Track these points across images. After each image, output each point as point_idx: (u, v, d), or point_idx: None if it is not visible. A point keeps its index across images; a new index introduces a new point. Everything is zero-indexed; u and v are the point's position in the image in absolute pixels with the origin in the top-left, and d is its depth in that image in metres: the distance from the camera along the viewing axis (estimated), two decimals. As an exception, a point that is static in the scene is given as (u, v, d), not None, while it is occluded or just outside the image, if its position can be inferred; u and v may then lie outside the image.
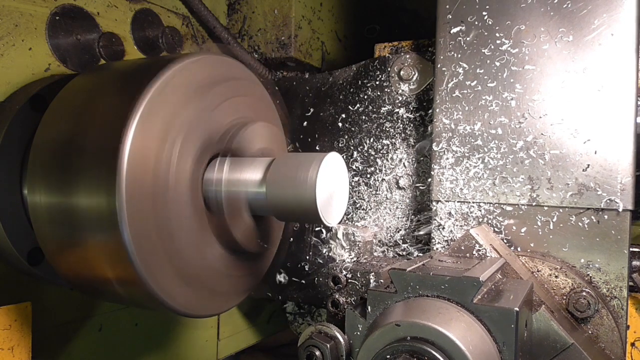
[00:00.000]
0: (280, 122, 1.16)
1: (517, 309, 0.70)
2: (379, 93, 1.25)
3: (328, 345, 0.78)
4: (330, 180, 0.90)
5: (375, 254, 1.24)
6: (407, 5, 1.92)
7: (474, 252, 0.94)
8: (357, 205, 1.26)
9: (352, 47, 1.80)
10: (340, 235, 0.92)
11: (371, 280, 0.85)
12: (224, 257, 0.97)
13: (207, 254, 0.93)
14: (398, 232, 1.22)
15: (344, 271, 0.86)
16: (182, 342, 1.45)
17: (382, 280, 0.84)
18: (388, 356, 0.69)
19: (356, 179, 1.26)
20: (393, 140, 1.23)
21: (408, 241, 1.21)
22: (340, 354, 0.79)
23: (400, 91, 1.22)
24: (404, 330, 0.70)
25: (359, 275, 0.85)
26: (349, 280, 0.86)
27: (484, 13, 1.01)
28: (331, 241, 0.93)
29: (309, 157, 0.90)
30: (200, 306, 0.93)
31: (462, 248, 0.95)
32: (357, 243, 0.91)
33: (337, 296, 0.86)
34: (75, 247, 0.84)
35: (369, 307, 0.77)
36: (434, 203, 1.05)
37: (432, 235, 1.05)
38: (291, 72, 1.52)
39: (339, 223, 0.94)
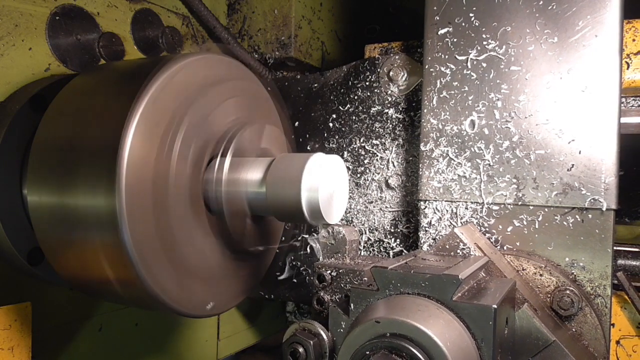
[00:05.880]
0: (280, 122, 1.17)
1: (495, 306, 0.71)
2: (368, 94, 1.26)
3: (311, 342, 0.79)
4: (328, 179, 0.90)
5: (362, 252, 1.26)
6: (407, 5, 1.92)
7: (458, 251, 0.95)
8: (347, 205, 1.27)
9: (352, 47, 1.80)
10: (326, 233, 0.94)
11: (355, 279, 0.86)
12: (224, 257, 0.98)
13: (207, 254, 0.94)
14: (387, 231, 1.24)
15: (329, 269, 0.87)
16: (182, 342, 1.46)
17: (365, 278, 0.85)
18: (367, 352, 0.70)
19: (347, 178, 1.27)
20: (383, 140, 1.24)
21: (397, 240, 1.23)
22: (323, 351, 0.80)
23: (389, 92, 1.23)
24: (383, 327, 0.70)
25: (343, 273, 0.87)
26: (334, 278, 0.87)
27: (471, 14, 1.02)
28: (318, 239, 0.94)
29: (306, 157, 0.90)
30: (200, 306, 0.94)
31: (447, 247, 0.96)
32: (343, 241, 0.92)
33: (322, 294, 0.87)
34: (75, 248, 0.85)
35: (352, 305, 0.78)
36: (421, 202, 1.06)
37: (419, 234, 1.07)
38: (291, 72, 1.53)
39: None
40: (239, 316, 1.70)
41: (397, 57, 1.22)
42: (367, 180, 1.26)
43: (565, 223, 0.96)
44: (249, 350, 1.81)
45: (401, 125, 1.22)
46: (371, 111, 1.26)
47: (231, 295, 1.04)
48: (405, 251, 1.21)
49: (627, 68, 1.06)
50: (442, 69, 1.04)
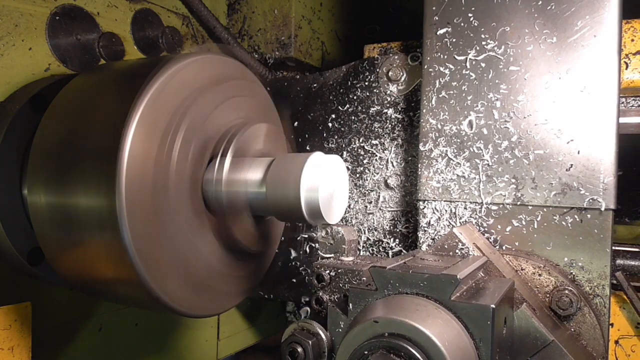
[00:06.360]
0: (280, 122, 1.17)
1: (493, 305, 0.71)
2: (368, 94, 1.26)
3: (310, 342, 0.79)
4: (327, 179, 0.90)
5: (362, 252, 1.26)
6: (407, 5, 1.92)
7: (457, 251, 0.95)
8: (347, 205, 1.27)
9: (352, 47, 1.80)
10: (325, 233, 0.94)
11: (354, 278, 0.86)
12: (224, 257, 0.98)
13: (207, 254, 0.94)
14: (386, 231, 1.24)
15: (327, 269, 0.87)
16: (182, 342, 1.46)
17: (364, 278, 0.85)
18: (366, 352, 0.71)
19: (346, 178, 1.28)
20: (382, 140, 1.24)
21: (396, 240, 1.23)
22: (322, 351, 0.80)
23: (388, 92, 1.24)
24: (381, 327, 0.71)
25: (342, 273, 0.87)
26: (333, 278, 0.87)
27: (470, 15, 1.02)
28: (316, 239, 0.95)
29: (305, 157, 0.90)
30: (200, 306, 0.94)
31: (446, 247, 0.96)
32: (342, 241, 0.92)
33: (320, 294, 0.87)
34: (75, 247, 0.85)
35: (350, 305, 0.78)
36: (420, 202, 1.07)
37: (418, 234, 1.07)
38: (291, 72, 1.54)
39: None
40: (239, 316, 1.70)
41: (396, 57, 1.22)
42: (366, 180, 1.26)
43: (564, 223, 0.96)
44: (249, 350, 1.81)
45: (400, 125, 1.22)
46: (370, 111, 1.26)
47: (231, 295, 1.04)
48: (404, 251, 1.21)
49: (626, 68, 1.07)
50: (441, 69, 1.04)
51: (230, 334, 1.65)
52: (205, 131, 0.92)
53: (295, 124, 1.38)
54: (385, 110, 1.24)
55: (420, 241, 1.06)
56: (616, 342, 1.11)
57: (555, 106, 0.96)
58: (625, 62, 1.06)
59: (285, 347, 0.80)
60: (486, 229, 1.01)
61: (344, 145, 1.30)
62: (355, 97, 1.29)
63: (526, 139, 0.98)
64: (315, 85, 1.37)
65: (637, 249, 1.14)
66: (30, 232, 0.96)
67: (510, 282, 0.86)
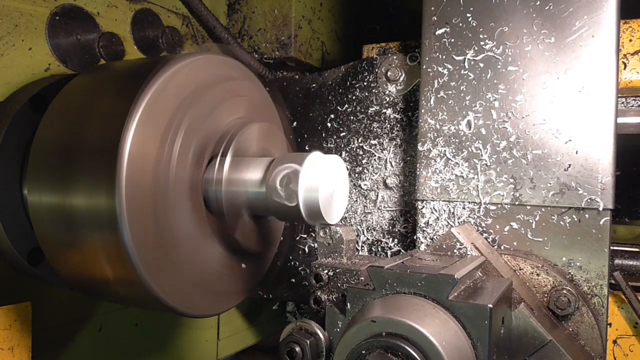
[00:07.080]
0: (280, 122, 1.17)
1: (490, 305, 0.71)
2: (366, 94, 1.26)
3: (308, 342, 0.79)
4: (326, 179, 0.90)
5: (361, 252, 1.26)
6: (407, 6, 1.92)
7: (455, 251, 0.95)
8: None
9: (352, 47, 1.80)
10: (323, 233, 0.94)
11: (352, 278, 0.86)
12: (224, 257, 0.98)
13: (207, 254, 0.94)
14: (384, 231, 1.24)
15: (326, 269, 0.87)
16: (182, 342, 1.46)
17: (362, 278, 0.85)
18: (363, 351, 0.71)
19: (344, 178, 1.28)
20: (380, 140, 1.25)
21: (394, 240, 1.23)
22: (320, 350, 0.80)
23: (387, 92, 1.24)
24: (379, 326, 0.71)
25: (340, 273, 0.87)
26: (331, 278, 0.87)
27: (468, 15, 1.02)
28: (314, 239, 0.95)
29: (304, 157, 0.90)
30: (200, 306, 0.94)
31: (444, 246, 0.96)
32: (340, 241, 0.93)
33: (319, 293, 0.87)
34: (75, 247, 0.85)
35: (348, 304, 0.79)
36: (418, 202, 1.07)
37: (416, 234, 1.07)
38: (291, 72, 1.54)
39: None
40: (239, 316, 1.70)
41: (394, 57, 1.22)
42: (365, 180, 1.26)
43: (562, 223, 0.96)
44: (249, 350, 1.81)
45: (399, 125, 1.23)
46: (369, 111, 1.26)
47: (231, 295, 1.04)
48: (402, 251, 1.21)
49: (624, 68, 1.07)
50: (440, 69, 1.05)
51: (230, 334, 1.65)
52: (205, 131, 0.92)
53: (295, 124, 1.38)
54: (384, 110, 1.24)
55: (419, 241, 1.07)
56: (614, 341, 1.11)
57: (554, 106, 0.96)
58: (623, 62, 1.07)
59: (284, 347, 0.81)
60: (484, 229, 1.02)
61: (342, 145, 1.30)
62: (354, 97, 1.29)
63: (524, 139, 0.98)
64: (314, 85, 1.37)
65: (635, 249, 1.14)
66: (30, 232, 0.95)
67: (508, 282, 0.86)
